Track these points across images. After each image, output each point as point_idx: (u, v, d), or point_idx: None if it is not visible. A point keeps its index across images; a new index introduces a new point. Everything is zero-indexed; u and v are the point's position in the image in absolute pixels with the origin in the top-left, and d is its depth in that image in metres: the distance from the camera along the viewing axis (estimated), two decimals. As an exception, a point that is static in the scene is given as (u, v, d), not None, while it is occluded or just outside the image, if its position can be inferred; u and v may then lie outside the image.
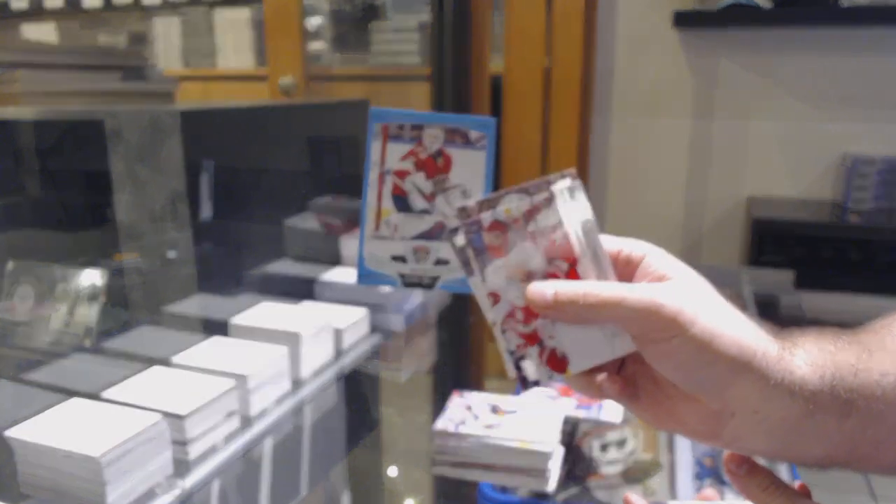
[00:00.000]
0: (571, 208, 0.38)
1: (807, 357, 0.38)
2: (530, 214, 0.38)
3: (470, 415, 0.71)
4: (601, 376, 0.41)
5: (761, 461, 0.42)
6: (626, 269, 0.41)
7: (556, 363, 0.39)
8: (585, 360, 0.39)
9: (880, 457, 0.38)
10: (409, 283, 0.41)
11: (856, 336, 0.40)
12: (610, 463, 0.72)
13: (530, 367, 0.39)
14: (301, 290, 1.15)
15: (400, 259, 0.41)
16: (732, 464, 0.41)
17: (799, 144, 2.18)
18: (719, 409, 0.38)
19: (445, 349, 1.18)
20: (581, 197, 0.39)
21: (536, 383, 0.39)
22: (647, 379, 0.42)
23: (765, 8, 1.96)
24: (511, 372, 0.39)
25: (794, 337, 0.39)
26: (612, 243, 0.41)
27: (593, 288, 0.38)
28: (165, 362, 0.84)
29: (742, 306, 0.41)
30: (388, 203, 0.41)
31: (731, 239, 2.31)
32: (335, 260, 1.23)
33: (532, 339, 0.39)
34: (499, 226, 0.38)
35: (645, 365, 0.40)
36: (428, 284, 0.42)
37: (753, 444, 0.40)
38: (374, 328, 1.09)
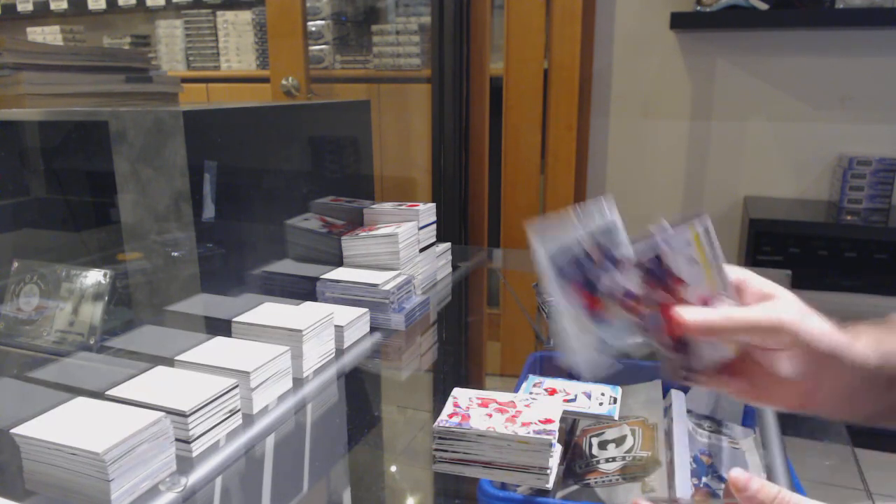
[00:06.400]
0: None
1: (867, 343, 0.52)
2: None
3: (470, 412, 0.71)
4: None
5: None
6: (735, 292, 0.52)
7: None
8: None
9: None
10: None
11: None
12: (608, 460, 0.73)
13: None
14: (303, 289, 1.16)
15: None
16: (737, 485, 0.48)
17: (795, 145, 2.19)
18: (812, 387, 0.51)
19: (445, 347, 1.19)
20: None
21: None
22: (754, 370, 0.54)
23: (761, 10, 1.96)
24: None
25: (855, 328, 0.53)
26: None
27: (733, 314, 0.50)
28: (169, 361, 0.85)
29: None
30: None
31: (728, 238, 2.32)
32: (337, 260, 1.24)
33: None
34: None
35: (752, 361, 0.53)
36: None
37: (826, 408, 0.54)
38: (375, 327, 1.10)
